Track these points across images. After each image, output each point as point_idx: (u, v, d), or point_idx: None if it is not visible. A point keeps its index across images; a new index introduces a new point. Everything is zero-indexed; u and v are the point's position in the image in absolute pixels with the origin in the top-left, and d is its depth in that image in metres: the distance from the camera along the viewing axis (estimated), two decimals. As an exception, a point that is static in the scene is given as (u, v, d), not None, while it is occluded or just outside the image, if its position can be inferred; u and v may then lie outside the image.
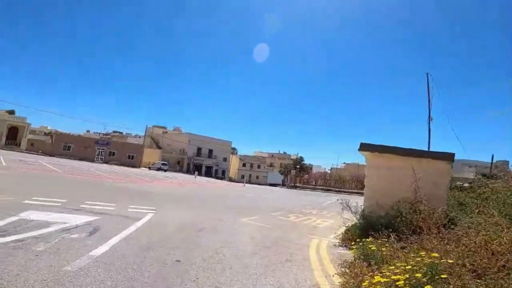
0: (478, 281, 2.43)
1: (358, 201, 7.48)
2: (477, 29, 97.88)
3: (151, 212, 7.22)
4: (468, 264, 2.70)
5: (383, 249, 3.72)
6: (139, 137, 69.62)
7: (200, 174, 53.66)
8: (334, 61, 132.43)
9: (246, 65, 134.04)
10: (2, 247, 3.16)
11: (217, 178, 58.63)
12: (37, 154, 37.11)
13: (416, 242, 3.80)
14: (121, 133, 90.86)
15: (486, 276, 2.51)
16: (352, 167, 69.47)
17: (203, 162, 63.81)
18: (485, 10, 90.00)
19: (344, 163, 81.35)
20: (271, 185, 61.43)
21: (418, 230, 4.14)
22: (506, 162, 43.61)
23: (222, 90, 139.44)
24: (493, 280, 2.39)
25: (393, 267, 2.84)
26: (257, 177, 73.48)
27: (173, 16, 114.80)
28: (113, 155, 48.34)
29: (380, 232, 4.41)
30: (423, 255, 2.91)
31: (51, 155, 39.91)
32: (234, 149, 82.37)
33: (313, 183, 68.90)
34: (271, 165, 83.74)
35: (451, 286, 2.34)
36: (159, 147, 64.80)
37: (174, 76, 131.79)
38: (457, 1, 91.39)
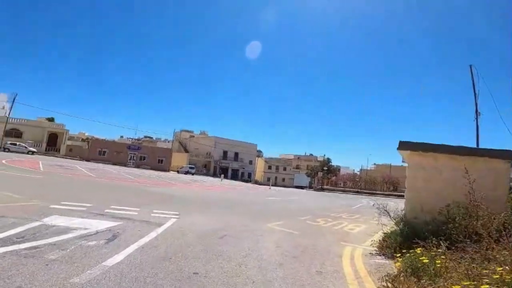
0: None
1: (393, 204, 6.79)
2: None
3: (174, 217, 7.04)
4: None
5: (437, 261, 3.11)
6: (168, 142, 71.96)
7: (226, 177, 54.04)
8: (365, 60, 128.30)
9: (268, 68, 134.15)
10: (13, 255, 3.03)
11: (243, 181, 58.66)
12: (75, 159, 39.46)
13: (477, 252, 3.14)
14: (151, 138, 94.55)
15: None
16: (383, 168, 66.21)
17: (229, 165, 64.29)
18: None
19: (375, 164, 77.81)
20: (297, 187, 60.30)
21: (475, 238, 3.47)
22: None
23: (247, 94, 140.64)
24: None
25: (452, 284, 2.26)
26: (283, 180, 72.63)
27: (195, 23, 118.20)
28: (144, 159, 50.20)
29: (428, 240, 3.78)
30: (498, 269, 2.28)
31: (87, 160, 42.30)
32: (259, 151, 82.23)
33: (341, 185, 66.73)
34: (297, 167, 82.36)
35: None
36: (186, 151, 66.36)
37: (200, 82, 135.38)
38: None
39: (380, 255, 5.28)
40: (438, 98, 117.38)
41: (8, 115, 42.42)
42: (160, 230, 5.46)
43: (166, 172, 45.66)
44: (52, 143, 45.93)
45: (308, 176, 71.17)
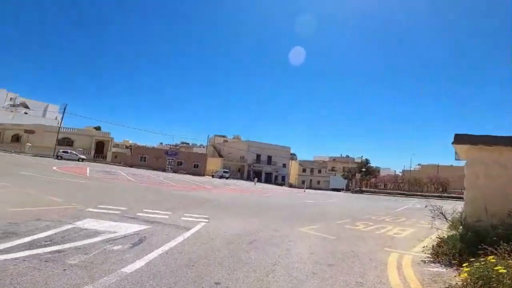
0: None
1: (447, 206, 5.94)
2: None
3: (203, 221, 6.90)
4: None
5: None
6: (203, 147, 74.02)
7: (260, 180, 53.91)
8: (398, 58, 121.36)
9: (299, 71, 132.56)
10: (35, 258, 3.00)
11: (277, 184, 58.11)
12: (119, 165, 42.19)
13: None
14: (188, 143, 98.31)
15: None
16: (429, 169, 61.26)
17: (262, 169, 64.17)
18: None
19: (419, 164, 72.38)
20: (333, 190, 58.19)
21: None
22: None
23: (278, 97, 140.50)
24: None
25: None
26: (318, 182, 70.66)
27: (234, 33, 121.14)
28: (180, 164, 52.08)
29: (498, 246, 3.11)
30: None
31: (130, 165, 45.00)
32: (293, 154, 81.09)
33: (382, 186, 62.99)
34: (332, 169, 79.67)
35: None
36: (220, 156, 67.66)
37: (231, 87, 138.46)
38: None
39: (435, 263, 4.56)
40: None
41: (60, 124, 46.80)
42: (187, 234, 5.30)
43: (202, 176, 46.83)
44: (99, 151, 49.64)
45: (344, 178, 68.47)
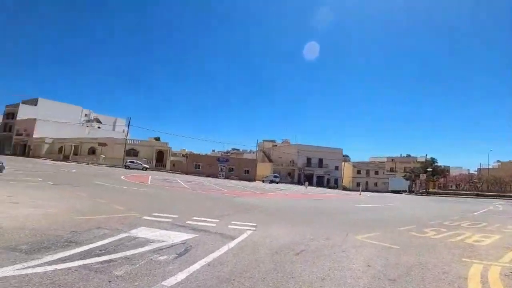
0: None
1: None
2: None
3: (250, 230, 6.78)
4: None
5: None
6: (253, 152, 75.28)
7: (311, 184, 52.50)
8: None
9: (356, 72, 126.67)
10: (86, 269, 3.18)
11: (329, 187, 55.94)
12: (177, 173, 45.27)
13: None
14: (238, 150, 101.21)
15: None
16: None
17: (313, 172, 62.49)
18: None
19: (499, 161, 62.53)
20: (393, 192, 53.59)
21: None
22: None
23: (328, 98, 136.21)
24: None
25: None
26: (376, 184, 65.90)
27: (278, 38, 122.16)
28: (232, 170, 53.68)
29: None
30: None
31: (186, 173, 47.94)
32: (346, 156, 77.33)
33: (453, 187, 56.02)
34: (391, 170, 73.59)
35: None
36: (270, 160, 67.92)
37: (282, 93, 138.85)
38: None
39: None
40: None
41: (126, 137, 52.27)
42: (232, 244, 5.22)
43: (252, 181, 47.47)
44: (160, 159, 54.02)
45: (407, 179, 62.65)
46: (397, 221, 10.41)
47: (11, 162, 26.10)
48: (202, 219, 7.60)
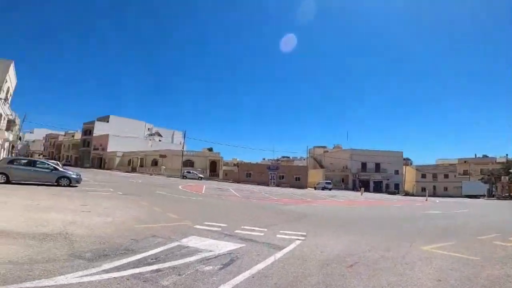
0: None
1: None
2: None
3: (299, 239, 6.55)
4: None
5: None
6: (303, 159, 73.93)
7: (367, 190, 49.20)
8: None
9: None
10: (135, 278, 3.35)
11: (389, 193, 51.74)
12: (229, 182, 46.78)
13: None
14: (288, 157, 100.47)
15: None
16: None
17: (370, 177, 58.59)
18: None
19: None
20: (468, 197, 47.06)
21: None
22: None
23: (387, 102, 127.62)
24: None
25: None
26: (446, 189, 58.80)
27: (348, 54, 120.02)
28: (282, 178, 53.34)
29: None
30: None
31: (238, 181, 49.20)
32: (407, 159, 70.83)
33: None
34: (464, 173, 64.86)
35: None
36: (321, 167, 65.86)
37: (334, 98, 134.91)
38: None
39: None
40: None
41: (183, 148, 56.03)
42: (279, 254, 5.07)
43: (304, 189, 46.44)
44: (213, 169, 56.57)
45: (484, 182, 54.54)
46: (476, 229, 9.05)
47: (89, 174, 30.06)
48: (251, 228, 7.60)
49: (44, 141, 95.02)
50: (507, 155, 56.22)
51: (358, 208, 17.90)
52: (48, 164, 16.19)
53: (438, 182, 61.10)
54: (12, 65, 28.98)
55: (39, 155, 76.41)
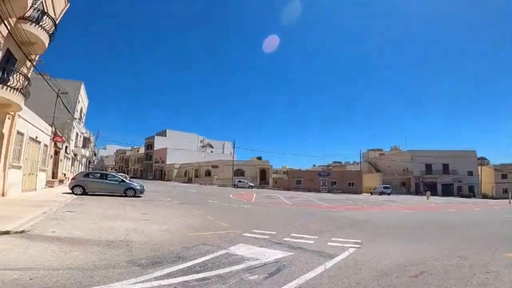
0: None
1: None
2: None
3: (353, 247, 6.11)
4: None
5: None
6: (357, 164, 70.00)
7: (435, 193, 44.24)
8: None
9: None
10: (183, 286, 3.41)
11: (461, 196, 45.86)
12: (278, 190, 46.50)
13: None
14: (340, 162, 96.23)
15: None
16: None
17: (436, 180, 52.70)
18: None
19: None
20: None
21: None
22: None
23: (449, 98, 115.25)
24: None
25: None
26: (535, 191, 49.60)
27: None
28: (334, 184, 51.18)
29: None
30: None
31: (288, 189, 48.64)
32: (482, 159, 62.04)
33: None
34: (561, 170, 54.12)
35: None
36: (377, 170, 61.50)
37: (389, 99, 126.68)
38: None
39: None
40: None
41: (233, 158, 57.69)
42: (329, 264, 4.76)
43: (358, 194, 43.78)
44: (263, 177, 56.99)
45: None
46: None
47: (151, 185, 32.84)
48: (300, 235, 7.36)
49: (114, 156, 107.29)
50: None
51: (423, 213, 16.09)
52: (117, 177, 18.15)
53: (523, 182, 52.00)
54: (82, 86, 30.94)
55: (111, 169, 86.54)
